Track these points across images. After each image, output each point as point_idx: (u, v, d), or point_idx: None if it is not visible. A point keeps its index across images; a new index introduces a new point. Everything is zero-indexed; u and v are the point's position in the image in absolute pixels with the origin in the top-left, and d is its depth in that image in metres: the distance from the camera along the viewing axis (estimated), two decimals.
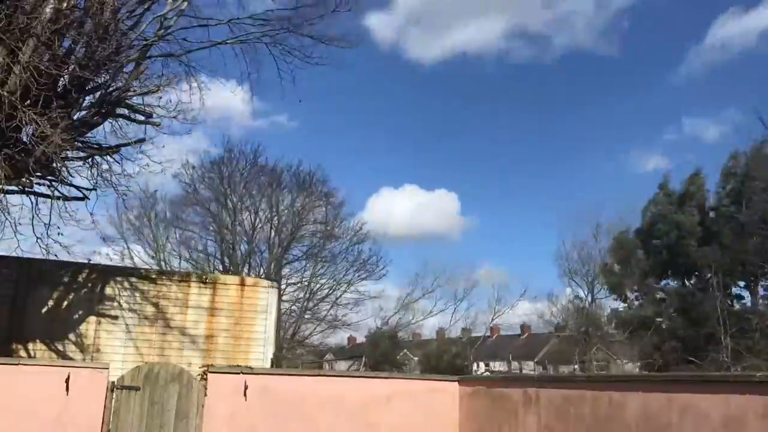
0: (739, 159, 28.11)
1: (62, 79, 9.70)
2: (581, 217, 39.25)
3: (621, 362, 34.03)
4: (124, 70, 10.25)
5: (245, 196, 32.23)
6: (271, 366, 13.08)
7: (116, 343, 11.72)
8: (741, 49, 63.26)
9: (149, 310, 12.21)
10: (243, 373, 8.99)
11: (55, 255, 10.87)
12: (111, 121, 10.79)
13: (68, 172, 10.86)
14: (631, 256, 30.68)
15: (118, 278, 12.31)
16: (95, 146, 10.92)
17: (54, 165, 10.29)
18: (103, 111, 10.31)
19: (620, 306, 31.68)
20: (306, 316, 32.15)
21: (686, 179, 29.87)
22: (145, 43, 10.26)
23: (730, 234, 26.36)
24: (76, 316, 11.66)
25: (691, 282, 28.44)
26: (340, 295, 32.51)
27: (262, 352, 12.73)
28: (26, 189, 10.40)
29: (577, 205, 74.42)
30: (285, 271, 31.94)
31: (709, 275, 27.51)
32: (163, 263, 30.39)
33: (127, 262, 29.46)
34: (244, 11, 10.86)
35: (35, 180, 10.38)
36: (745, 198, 26.66)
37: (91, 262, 14.47)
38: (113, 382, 8.28)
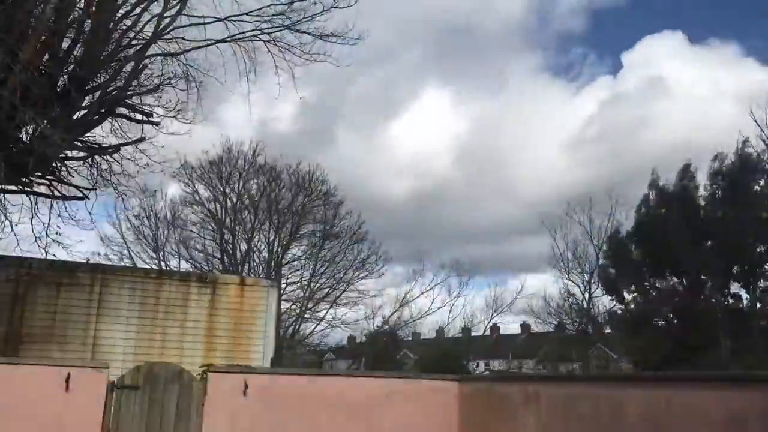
0: (725, 158, 28.06)
1: (62, 79, 9.70)
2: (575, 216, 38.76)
3: (619, 362, 34.04)
4: (124, 69, 10.24)
5: (244, 195, 32.26)
6: (271, 366, 13.07)
7: (116, 343, 11.72)
8: None
9: (149, 310, 12.22)
10: (243, 373, 9.00)
11: (54, 255, 10.90)
12: (110, 120, 10.80)
13: (68, 171, 10.88)
14: (626, 255, 30.62)
15: (118, 278, 12.32)
16: (95, 146, 10.92)
17: (54, 165, 10.30)
18: (103, 111, 10.30)
19: (617, 306, 31.65)
20: (306, 316, 32.19)
21: (678, 176, 29.65)
22: (143, 42, 10.26)
23: (725, 233, 26.29)
24: (76, 316, 11.66)
25: (688, 282, 28.38)
26: (340, 295, 32.56)
27: (262, 352, 12.74)
28: (26, 189, 10.40)
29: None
30: (285, 271, 31.98)
31: (704, 276, 27.49)
32: (162, 263, 30.41)
33: (127, 262, 29.51)
34: (240, 8, 10.76)
35: (35, 180, 10.39)
36: (736, 197, 26.58)
37: (91, 261, 14.51)
38: (113, 382, 8.27)
